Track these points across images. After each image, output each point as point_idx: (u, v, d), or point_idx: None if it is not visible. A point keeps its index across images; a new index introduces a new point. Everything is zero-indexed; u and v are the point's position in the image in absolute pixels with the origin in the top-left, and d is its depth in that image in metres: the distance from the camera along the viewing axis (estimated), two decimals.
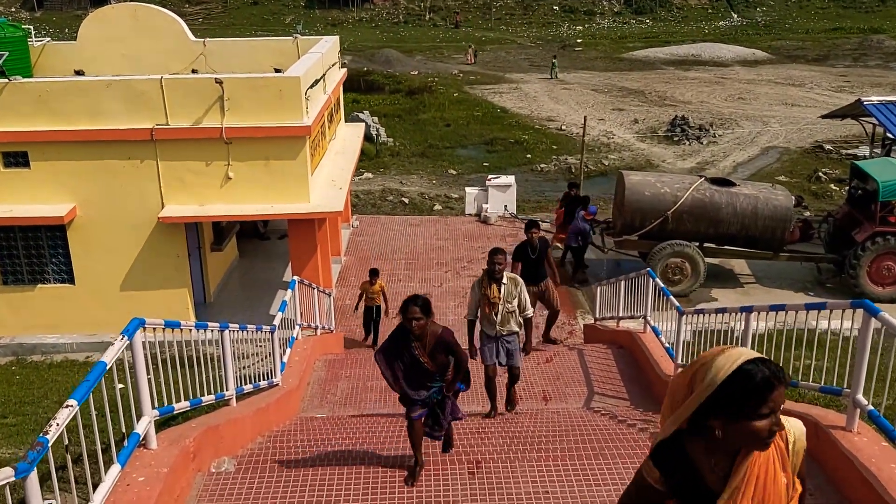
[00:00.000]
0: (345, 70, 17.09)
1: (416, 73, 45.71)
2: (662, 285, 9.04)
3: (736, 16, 64.36)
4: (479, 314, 7.78)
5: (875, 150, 18.75)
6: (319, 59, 13.80)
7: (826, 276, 15.13)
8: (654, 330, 9.25)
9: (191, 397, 5.87)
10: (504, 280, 7.63)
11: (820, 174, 26.00)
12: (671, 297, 8.62)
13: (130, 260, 13.06)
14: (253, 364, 9.40)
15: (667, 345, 8.74)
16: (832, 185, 24.88)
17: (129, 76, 12.60)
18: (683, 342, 8.07)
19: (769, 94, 38.93)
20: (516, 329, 7.88)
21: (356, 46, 53.06)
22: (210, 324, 6.28)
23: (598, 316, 12.10)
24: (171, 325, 5.36)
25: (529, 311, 7.91)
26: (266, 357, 8.87)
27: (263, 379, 8.02)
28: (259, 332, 7.88)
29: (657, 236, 14.25)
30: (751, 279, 15.39)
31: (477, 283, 7.72)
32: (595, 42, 57.14)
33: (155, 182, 12.53)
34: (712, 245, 14.63)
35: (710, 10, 65.87)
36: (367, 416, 8.27)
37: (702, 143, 31.22)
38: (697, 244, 14.33)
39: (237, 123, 12.09)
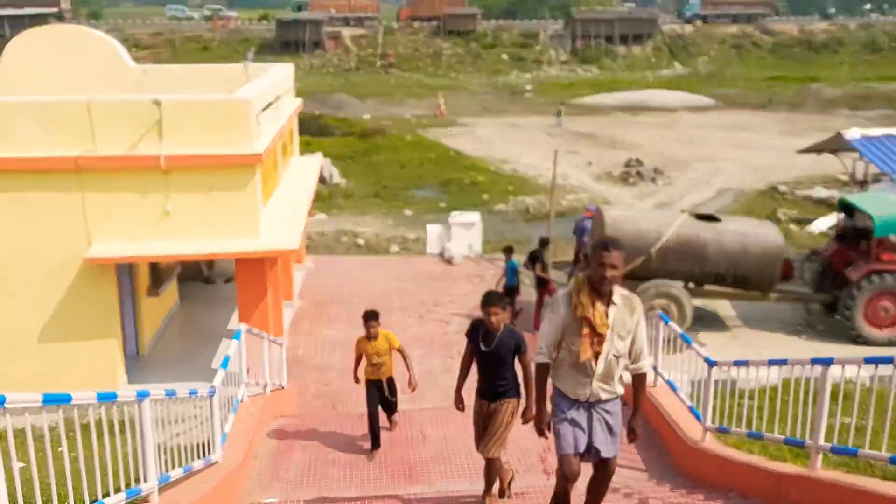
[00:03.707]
0: (300, 100, 15.81)
1: (369, 116, 44.86)
2: (681, 331, 7.86)
3: (679, 65, 65.80)
4: (557, 356, 4.74)
5: (856, 187, 18.26)
6: (272, 82, 12.50)
7: (816, 318, 14.27)
8: (670, 384, 8.00)
9: (87, 501, 4.28)
10: (616, 299, 4.66)
11: (780, 215, 25.71)
12: (694, 345, 7.43)
13: (50, 307, 11.28)
14: (190, 430, 7.83)
15: (689, 403, 7.48)
16: (792, 226, 24.52)
17: (51, 98, 11.05)
18: (712, 400, 6.82)
19: (718, 138, 39.29)
20: (620, 391, 4.81)
21: (308, 91, 51.95)
22: (121, 393, 4.74)
23: None
24: (55, 400, 3.83)
25: (647, 362, 4.89)
26: (206, 420, 7.32)
27: (198, 455, 6.45)
28: (193, 398, 6.32)
29: (639, 276, 13.19)
30: (737, 322, 14.44)
31: (564, 299, 4.65)
32: (544, 89, 57.52)
33: (80, 217, 10.88)
34: (695, 285, 13.66)
35: (653, 59, 67.31)
36: (329, 501, 6.75)
37: (657, 185, 30.92)
38: (683, 284, 13.32)
39: (177, 150, 10.60)
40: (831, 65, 65.77)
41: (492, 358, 6.16)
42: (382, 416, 8.52)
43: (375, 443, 8.28)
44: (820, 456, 5.59)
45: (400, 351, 8.29)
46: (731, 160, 34.31)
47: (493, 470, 6.39)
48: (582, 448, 4.75)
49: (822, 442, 5.54)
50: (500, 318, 6.02)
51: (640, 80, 60.28)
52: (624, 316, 4.67)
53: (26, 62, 14.69)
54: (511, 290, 13.93)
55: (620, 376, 4.79)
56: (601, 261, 4.50)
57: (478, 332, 6.21)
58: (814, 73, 61.82)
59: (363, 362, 8.38)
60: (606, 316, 4.60)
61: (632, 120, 44.98)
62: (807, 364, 5.75)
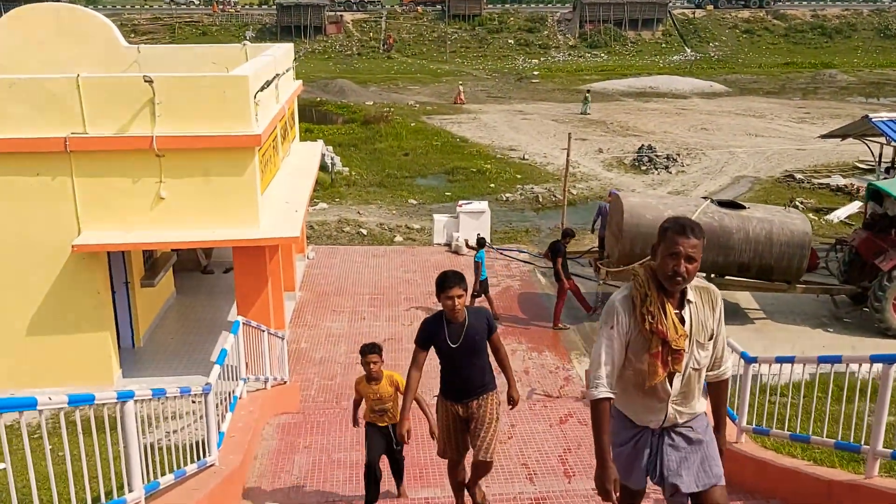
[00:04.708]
0: (300, 82, 15.17)
1: (372, 103, 44.16)
2: None
3: (689, 50, 64.82)
4: (622, 380, 3.64)
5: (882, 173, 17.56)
6: (271, 61, 11.87)
7: (843, 310, 13.63)
8: None
9: None
10: (690, 295, 3.57)
11: (797, 203, 25.01)
12: (730, 340, 6.80)
13: (39, 298, 10.74)
14: (185, 427, 7.31)
15: None
16: (810, 215, 23.85)
17: (37, 75, 10.45)
18: (748, 399, 6.23)
19: (731, 125, 38.53)
20: (701, 409, 3.77)
21: (309, 77, 51.28)
22: (100, 395, 4.16)
23: None
24: (13, 406, 3.25)
25: (729, 365, 3.85)
26: (201, 418, 6.78)
27: (193, 458, 5.89)
28: (185, 397, 5.75)
29: None
30: (760, 314, 13.80)
31: (624, 305, 3.55)
32: (552, 74, 56.66)
33: (70, 203, 10.31)
34: (717, 276, 13.01)
35: (663, 45, 66.27)
36: None
37: (670, 173, 30.21)
38: (705, 275, 12.68)
39: (171, 132, 10.00)
40: (845, 50, 64.70)
41: (464, 352, 5.27)
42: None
43: (372, 495, 6.34)
44: (878, 462, 5.08)
45: (398, 390, 6.38)
46: (744, 147, 33.60)
47: (486, 469, 5.60)
48: (641, 484, 3.77)
49: (881, 447, 4.98)
50: (463, 302, 5.26)
51: (650, 66, 59.35)
52: (703, 316, 3.55)
53: (17, 40, 14.12)
54: (483, 284, 13.61)
55: (701, 389, 3.71)
56: (674, 249, 3.32)
57: (435, 331, 5.29)
58: (827, 59, 60.85)
59: (363, 405, 6.62)
60: (682, 322, 3.49)
61: (642, 106, 44.19)
62: (865, 361, 5.14)
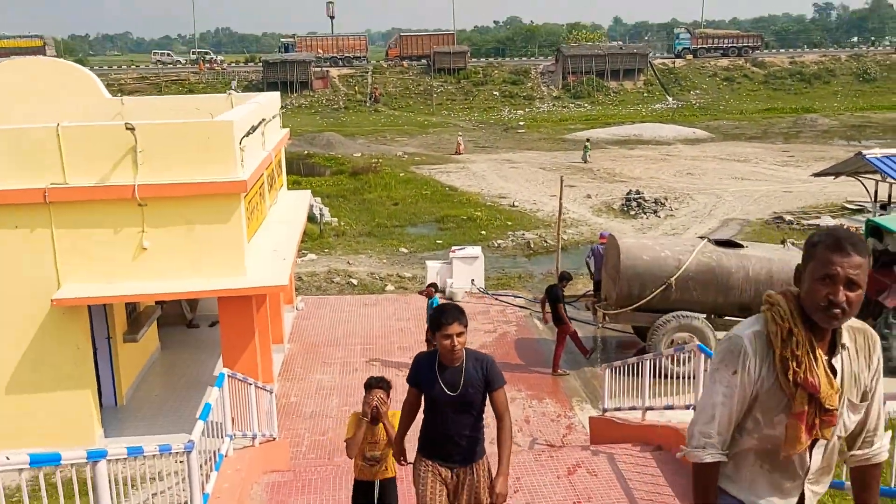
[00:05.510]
0: (287, 130, 15.00)
1: (360, 154, 44.29)
2: None
3: (671, 99, 65.80)
4: (738, 448, 2.75)
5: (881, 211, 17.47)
6: (257, 108, 11.68)
7: None
8: None
9: None
10: (845, 338, 2.67)
11: (788, 245, 24.92)
12: None
13: (17, 354, 10.29)
14: (168, 489, 6.83)
15: None
16: None
17: (17, 125, 10.20)
18: None
19: (717, 170, 38.83)
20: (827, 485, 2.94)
21: (296, 131, 51.49)
22: (67, 454, 3.74)
23: (606, 406, 9.84)
24: None
25: (886, 442, 2.86)
26: (185, 479, 6.31)
27: None
28: (166, 455, 5.30)
29: (658, 308, 12.26)
30: None
31: (756, 344, 2.61)
32: (537, 124, 57.31)
33: (49, 255, 9.96)
34: (717, 316, 12.70)
35: (645, 94, 67.33)
36: None
37: (659, 217, 30.25)
38: (704, 315, 12.37)
39: (154, 180, 9.74)
40: (825, 95, 65.92)
41: (456, 405, 4.50)
42: None
43: None
44: None
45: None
46: (731, 191, 33.79)
47: None
48: None
49: None
50: (464, 341, 4.46)
51: (633, 114, 60.15)
52: (858, 367, 2.68)
53: (1, 94, 13.92)
54: None
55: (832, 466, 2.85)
56: (830, 271, 2.46)
57: (427, 372, 4.54)
58: (807, 104, 61.94)
59: (353, 451, 5.63)
60: (833, 372, 2.62)
61: (627, 153, 44.60)
62: None
